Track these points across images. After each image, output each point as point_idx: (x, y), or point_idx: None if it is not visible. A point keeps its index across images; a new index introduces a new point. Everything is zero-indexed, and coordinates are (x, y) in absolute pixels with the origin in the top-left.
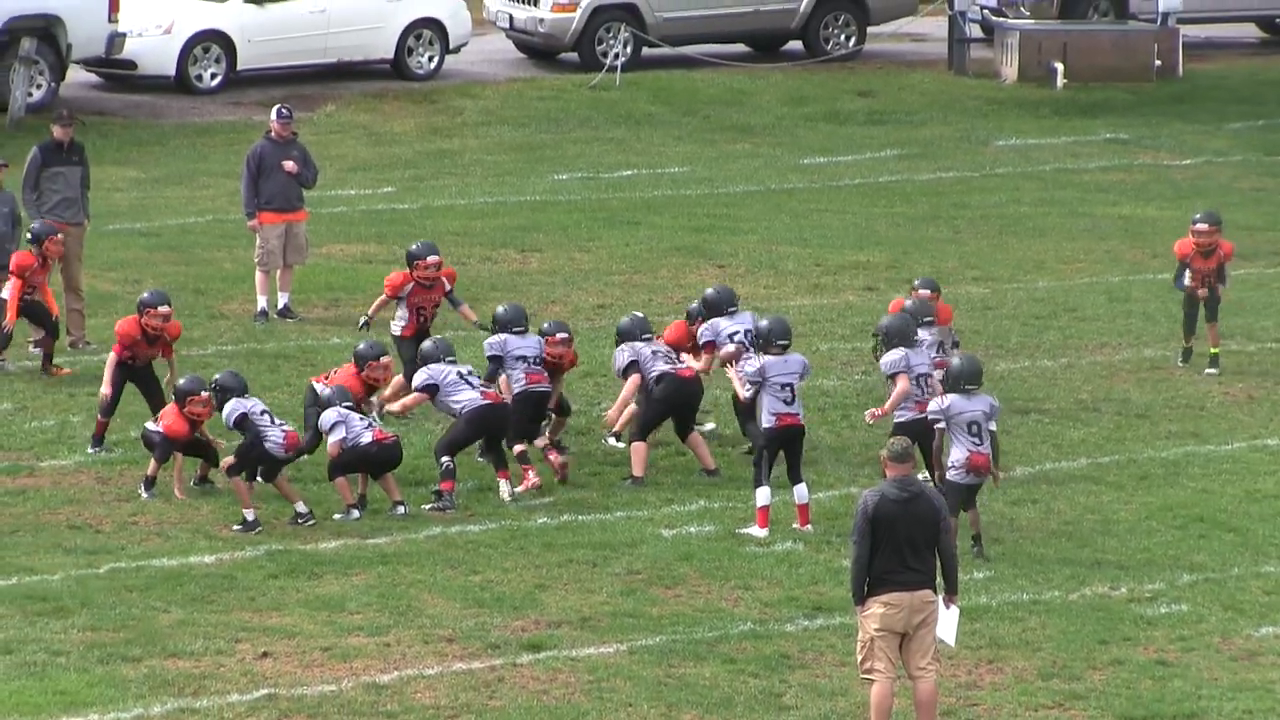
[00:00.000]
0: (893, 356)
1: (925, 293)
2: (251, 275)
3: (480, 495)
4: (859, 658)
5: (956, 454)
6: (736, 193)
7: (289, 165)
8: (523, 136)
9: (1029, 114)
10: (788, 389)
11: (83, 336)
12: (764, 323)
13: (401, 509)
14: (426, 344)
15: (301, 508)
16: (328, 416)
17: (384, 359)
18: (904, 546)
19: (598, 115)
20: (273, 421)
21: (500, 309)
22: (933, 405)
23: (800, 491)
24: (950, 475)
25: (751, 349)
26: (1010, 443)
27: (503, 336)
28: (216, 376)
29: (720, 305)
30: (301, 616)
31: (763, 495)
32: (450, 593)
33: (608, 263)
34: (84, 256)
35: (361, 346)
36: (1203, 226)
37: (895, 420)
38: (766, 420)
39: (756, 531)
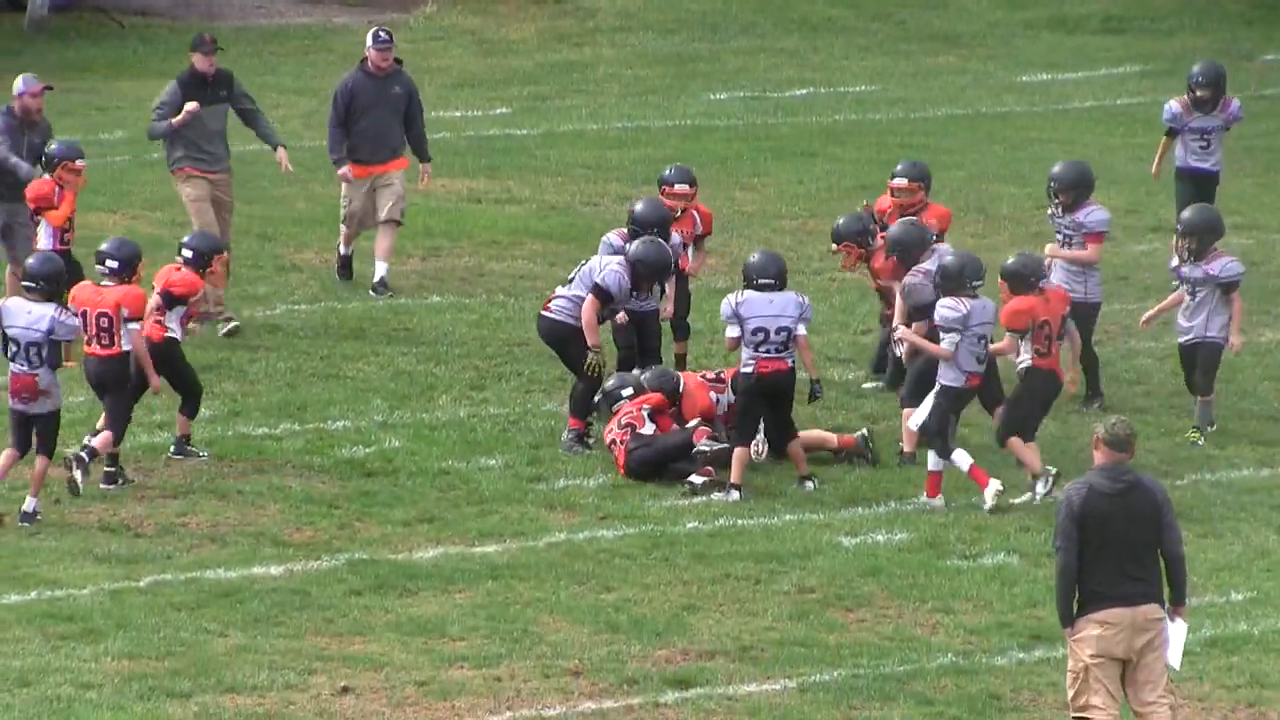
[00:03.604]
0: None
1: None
2: (332, 217)
3: (615, 493)
4: (1070, 693)
5: None
6: (938, 117)
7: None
8: (670, 46)
9: None
10: (984, 341)
11: (218, 311)
12: (951, 258)
13: None
14: None
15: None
16: None
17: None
18: (1121, 551)
19: (764, 19)
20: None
21: None
22: None
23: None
24: None
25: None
26: (1277, 430)
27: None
28: None
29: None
30: (391, 643)
31: (961, 458)
32: (577, 615)
33: (776, 204)
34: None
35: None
36: None
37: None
38: (956, 377)
39: (933, 503)
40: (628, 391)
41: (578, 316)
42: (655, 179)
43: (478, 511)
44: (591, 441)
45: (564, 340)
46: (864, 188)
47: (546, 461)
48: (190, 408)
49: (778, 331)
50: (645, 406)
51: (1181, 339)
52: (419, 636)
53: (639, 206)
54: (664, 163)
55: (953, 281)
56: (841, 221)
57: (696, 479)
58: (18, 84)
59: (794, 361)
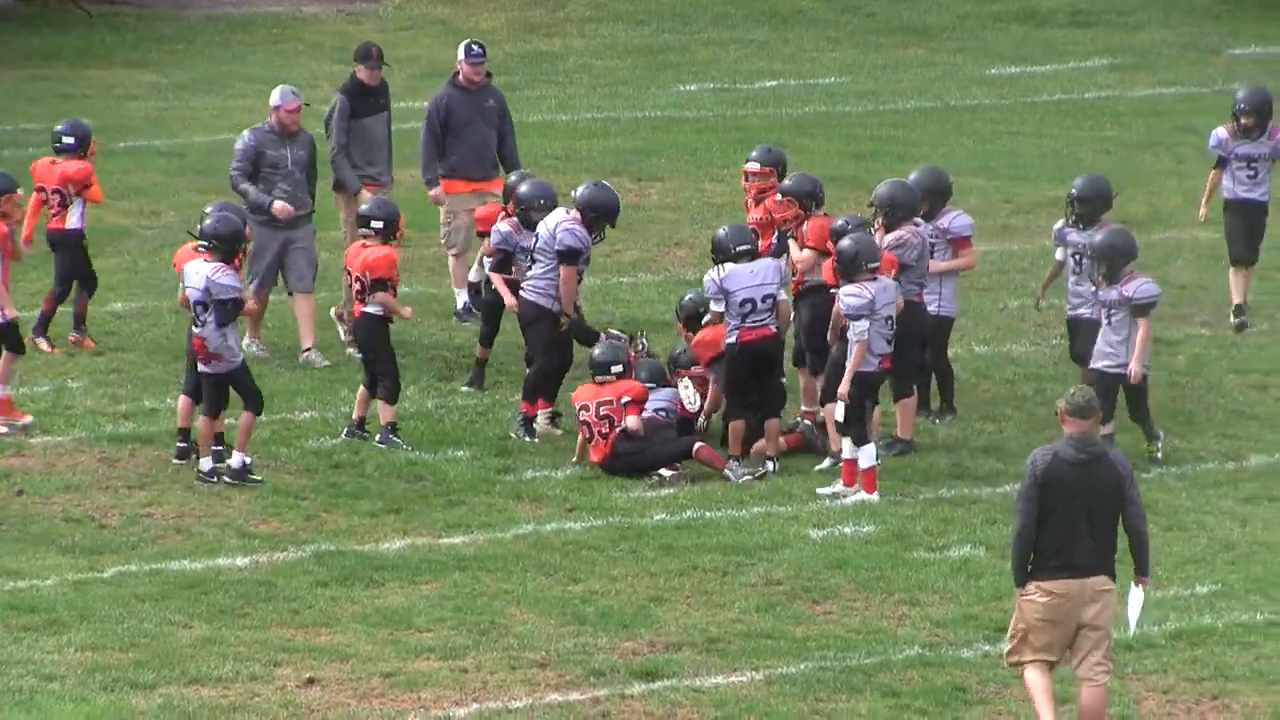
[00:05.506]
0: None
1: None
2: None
3: (582, 485)
4: (1007, 646)
5: None
6: (907, 109)
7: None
8: (640, 37)
9: (1273, 15)
10: (890, 322)
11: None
12: (846, 243)
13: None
14: None
15: (236, 460)
16: None
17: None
18: (1079, 520)
19: (734, 10)
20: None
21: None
22: None
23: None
24: None
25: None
26: (1245, 425)
27: None
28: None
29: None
30: (357, 634)
31: (867, 454)
32: (544, 606)
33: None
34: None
35: None
36: None
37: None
38: (867, 362)
39: (865, 496)
40: (617, 369)
41: (552, 295)
42: (625, 170)
43: (445, 503)
44: (540, 427)
45: (534, 320)
46: (833, 179)
47: (514, 453)
48: (384, 391)
49: (764, 299)
50: (626, 397)
51: (1099, 363)
52: (385, 628)
53: (582, 191)
54: (633, 154)
55: (849, 266)
56: (793, 179)
57: (666, 472)
58: (274, 96)
59: (777, 328)
